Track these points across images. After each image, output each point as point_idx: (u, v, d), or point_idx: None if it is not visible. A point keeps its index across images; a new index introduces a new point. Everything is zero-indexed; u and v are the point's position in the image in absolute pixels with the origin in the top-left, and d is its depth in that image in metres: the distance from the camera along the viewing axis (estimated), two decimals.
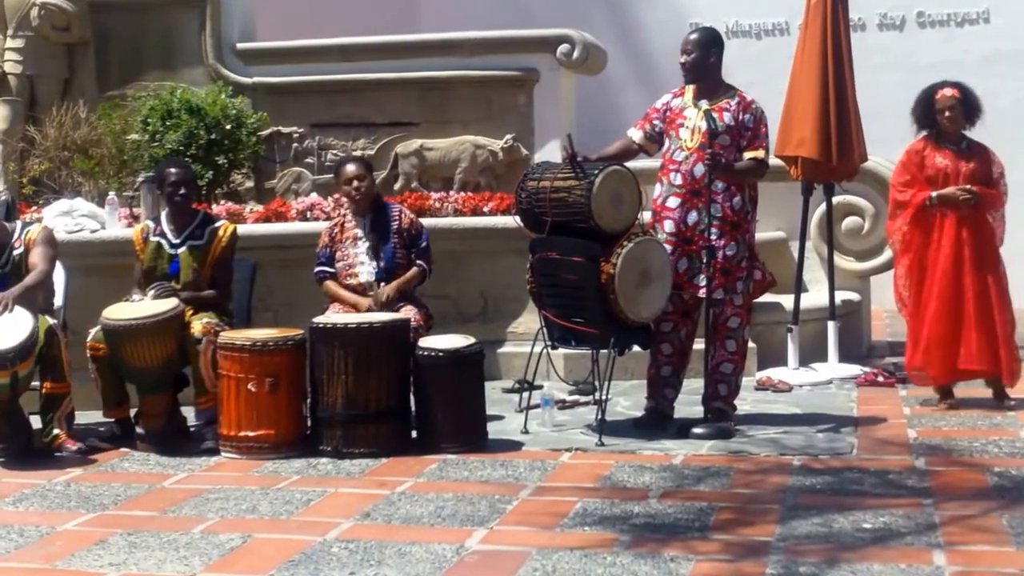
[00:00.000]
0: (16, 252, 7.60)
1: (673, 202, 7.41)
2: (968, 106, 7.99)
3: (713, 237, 7.30)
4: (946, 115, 7.92)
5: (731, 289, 7.40)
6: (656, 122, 7.58)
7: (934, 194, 7.89)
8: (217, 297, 7.77)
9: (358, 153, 10.20)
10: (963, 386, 8.66)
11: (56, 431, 7.32)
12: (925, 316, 7.97)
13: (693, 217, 7.35)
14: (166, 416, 7.54)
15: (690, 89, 7.56)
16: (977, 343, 7.89)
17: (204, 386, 7.44)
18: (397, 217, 8.03)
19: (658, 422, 7.53)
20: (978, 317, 7.87)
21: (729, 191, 7.36)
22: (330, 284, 7.98)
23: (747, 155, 7.38)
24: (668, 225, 7.40)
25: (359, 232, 7.99)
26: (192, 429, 7.61)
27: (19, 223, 7.87)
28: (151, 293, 7.55)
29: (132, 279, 7.84)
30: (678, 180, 7.40)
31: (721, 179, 7.31)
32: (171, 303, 7.45)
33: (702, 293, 7.34)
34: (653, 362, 7.64)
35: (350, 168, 8.05)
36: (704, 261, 7.27)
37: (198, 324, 7.45)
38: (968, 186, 7.85)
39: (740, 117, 7.39)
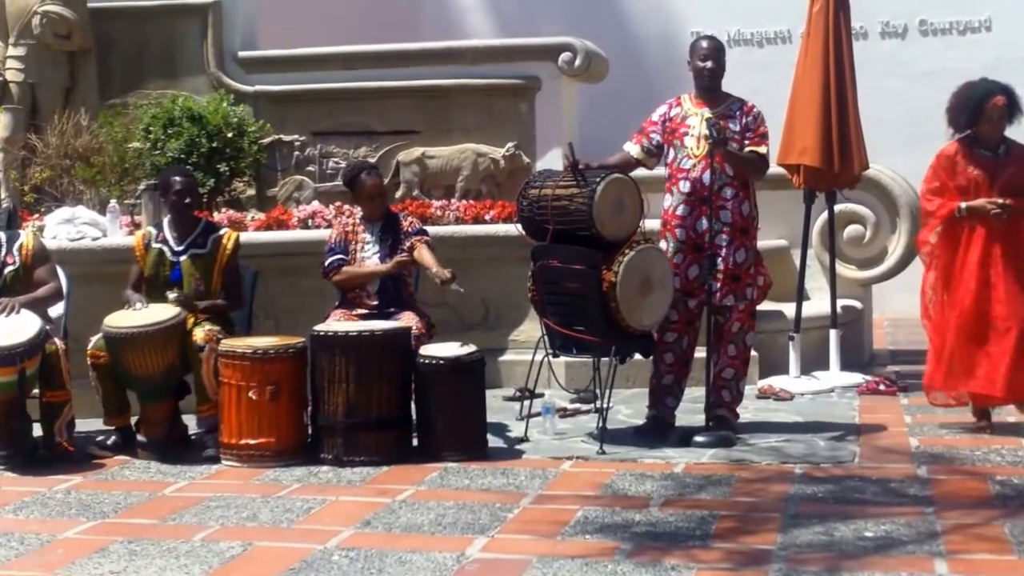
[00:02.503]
0: (9, 268, 7.61)
1: (683, 210, 7.42)
2: (1012, 109, 7.49)
3: (723, 244, 7.33)
4: (994, 123, 7.41)
5: (741, 296, 7.42)
6: (654, 135, 7.58)
7: (963, 205, 7.37)
8: (231, 304, 7.76)
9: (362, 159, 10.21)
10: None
11: (57, 439, 7.32)
12: (946, 335, 7.46)
13: (703, 224, 7.36)
14: (167, 424, 7.55)
15: (686, 98, 7.59)
16: (998, 369, 7.36)
17: (206, 394, 7.42)
18: (403, 227, 8.00)
19: (659, 431, 7.52)
20: (1002, 341, 7.34)
21: (738, 197, 7.39)
22: (345, 269, 7.87)
23: (748, 150, 7.41)
24: (679, 233, 7.42)
25: (369, 238, 7.97)
26: (193, 437, 7.60)
27: (3, 235, 7.82)
28: (171, 297, 7.52)
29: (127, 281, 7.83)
30: (687, 188, 7.40)
31: (730, 186, 7.35)
32: (173, 311, 7.45)
33: (717, 299, 7.37)
34: (655, 371, 7.63)
35: (371, 182, 8.00)
36: (708, 268, 7.29)
37: (200, 332, 7.44)
38: (1000, 199, 7.32)
39: (744, 121, 7.43)
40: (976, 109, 7.46)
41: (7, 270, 7.62)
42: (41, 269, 7.67)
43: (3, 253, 7.66)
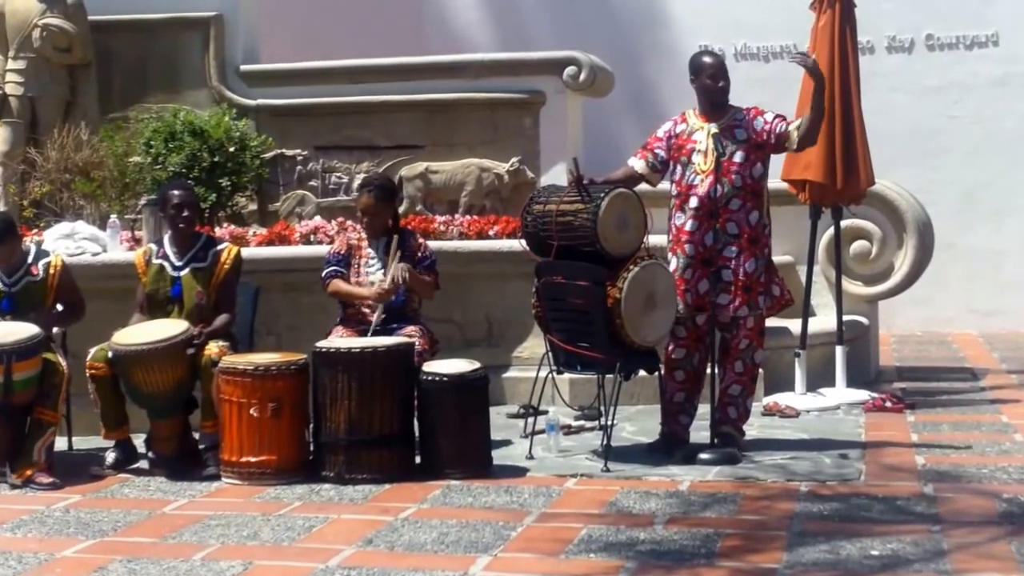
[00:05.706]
0: (30, 279, 7.63)
1: (691, 225, 7.37)
2: None
3: (731, 256, 7.29)
4: None
5: (754, 306, 7.38)
6: (659, 151, 7.54)
7: None
8: (228, 322, 7.70)
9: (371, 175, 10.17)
10: (970, 411, 8.62)
11: (35, 458, 7.24)
12: None
13: (711, 238, 7.32)
14: (178, 439, 7.51)
15: (691, 114, 7.56)
16: None
17: (214, 409, 7.36)
18: (412, 245, 7.93)
19: (671, 448, 7.46)
20: None
21: (745, 207, 7.35)
22: (337, 282, 7.84)
23: (792, 126, 7.40)
24: (688, 248, 7.38)
25: (372, 253, 7.93)
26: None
27: (32, 247, 7.86)
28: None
29: (134, 302, 7.79)
30: (694, 203, 7.36)
31: (737, 197, 7.29)
32: (181, 326, 7.41)
33: (730, 311, 7.33)
34: (666, 389, 7.57)
35: (365, 199, 7.93)
36: (713, 282, 7.26)
37: (214, 346, 7.42)
38: None
39: (751, 126, 7.39)
40: None
41: (26, 280, 7.63)
42: (70, 294, 7.77)
43: (28, 262, 7.70)
